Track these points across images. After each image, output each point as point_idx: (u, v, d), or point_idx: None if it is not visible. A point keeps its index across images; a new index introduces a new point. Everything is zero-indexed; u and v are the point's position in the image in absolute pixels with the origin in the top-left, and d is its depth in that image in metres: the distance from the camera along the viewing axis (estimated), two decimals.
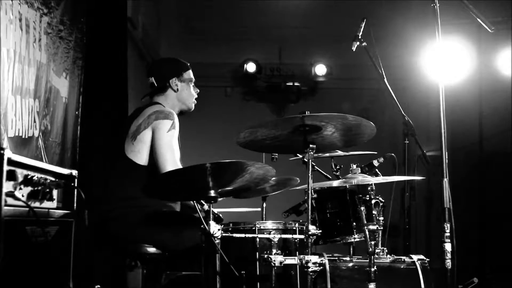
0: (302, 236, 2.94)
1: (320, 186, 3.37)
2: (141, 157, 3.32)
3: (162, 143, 3.27)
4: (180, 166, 3.30)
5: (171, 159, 3.25)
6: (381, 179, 3.30)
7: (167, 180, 2.83)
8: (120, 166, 3.38)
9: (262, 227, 3.07)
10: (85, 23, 4.28)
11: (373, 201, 3.29)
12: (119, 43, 5.27)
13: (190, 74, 3.62)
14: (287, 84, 8.71)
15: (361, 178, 3.24)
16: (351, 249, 3.49)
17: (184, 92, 3.57)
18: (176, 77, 3.55)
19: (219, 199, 2.80)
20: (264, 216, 3.93)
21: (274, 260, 2.84)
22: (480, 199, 6.84)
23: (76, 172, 2.77)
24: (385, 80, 3.72)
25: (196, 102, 3.65)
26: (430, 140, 5.26)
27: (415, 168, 4.30)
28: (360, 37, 3.73)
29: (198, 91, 3.66)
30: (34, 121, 3.40)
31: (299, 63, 8.72)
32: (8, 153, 2.24)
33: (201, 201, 3.31)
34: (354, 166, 3.32)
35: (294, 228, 3.15)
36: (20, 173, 2.33)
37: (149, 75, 3.58)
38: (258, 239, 3.03)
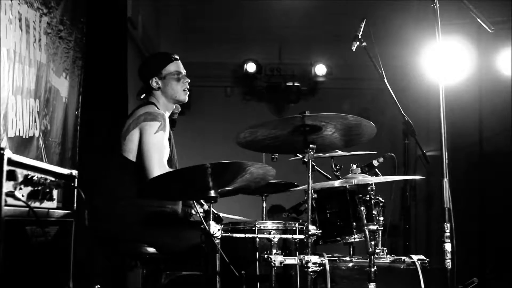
0: (302, 236, 2.94)
1: (321, 186, 3.37)
2: (133, 156, 3.31)
3: (150, 144, 3.25)
4: (167, 168, 3.27)
5: (158, 161, 3.22)
6: (381, 178, 3.30)
7: (166, 181, 2.82)
8: (118, 166, 3.38)
9: (262, 227, 3.07)
10: (85, 23, 4.28)
11: (373, 201, 3.29)
12: (119, 43, 5.27)
13: (171, 68, 3.49)
14: (287, 84, 8.71)
15: (361, 178, 3.24)
16: (351, 249, 3.49)
17: (167, 88, 3.48)
18: (155, 75, 3.47)
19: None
20: (264, 216, 3.93)
21: (274, 260, 2.84)
22: (480, 199, 6.83)
23: (76, 172, 2.76)
24: (385, 80, 3.71)
25: (188, 92, 3.53)
26: (430, 140, 5.25)
27: (415, 168, 4.30)
28: (360, 37, 3.72)
29: (189, 80, 3.53)
30: (35, 121, 3.40)
31: (299, 63, 8.72)
32: (8, 153, 2.24)
33: (201, 201, 3.32)
34: (354, 166, 3.32)
35: (294, 228, 3.15)
36: (20, 173, 2.33)
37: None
38: (258, 239, 3.03)
